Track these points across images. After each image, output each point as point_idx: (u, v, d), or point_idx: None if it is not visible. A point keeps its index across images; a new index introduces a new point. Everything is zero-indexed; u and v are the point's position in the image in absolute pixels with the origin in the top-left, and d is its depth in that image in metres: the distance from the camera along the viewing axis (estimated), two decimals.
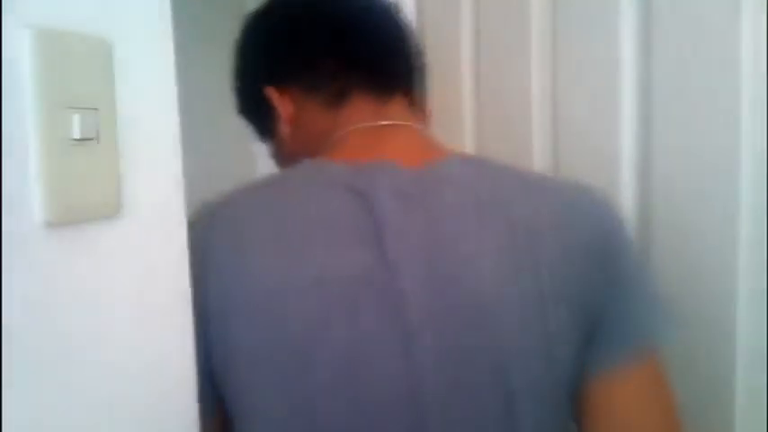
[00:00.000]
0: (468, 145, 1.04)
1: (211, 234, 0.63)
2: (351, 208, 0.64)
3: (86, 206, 0.46)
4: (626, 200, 0.79)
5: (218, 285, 0.61)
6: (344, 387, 0.60)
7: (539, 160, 0.91)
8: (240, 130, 1.00)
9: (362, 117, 0.76)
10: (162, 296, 0.53)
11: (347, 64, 0.78)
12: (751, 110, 0.63)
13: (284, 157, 0.84)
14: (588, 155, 0.82)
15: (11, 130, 0.42)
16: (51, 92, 0.44)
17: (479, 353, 0.61)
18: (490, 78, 0.98)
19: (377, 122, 0.75)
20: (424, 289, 0.61)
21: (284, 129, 0.80)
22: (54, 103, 0.44)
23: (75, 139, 0.45)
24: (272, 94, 0.80)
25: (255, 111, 0.85)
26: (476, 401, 0.61)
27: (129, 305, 0.50)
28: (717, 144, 0.67)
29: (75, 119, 0.45)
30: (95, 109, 0.46)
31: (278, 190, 0.68)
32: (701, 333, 0.71)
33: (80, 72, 0.45)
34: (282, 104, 0.80)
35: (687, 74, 0.68)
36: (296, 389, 0.60)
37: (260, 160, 1.36)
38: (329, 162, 0.71)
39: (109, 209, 0.48)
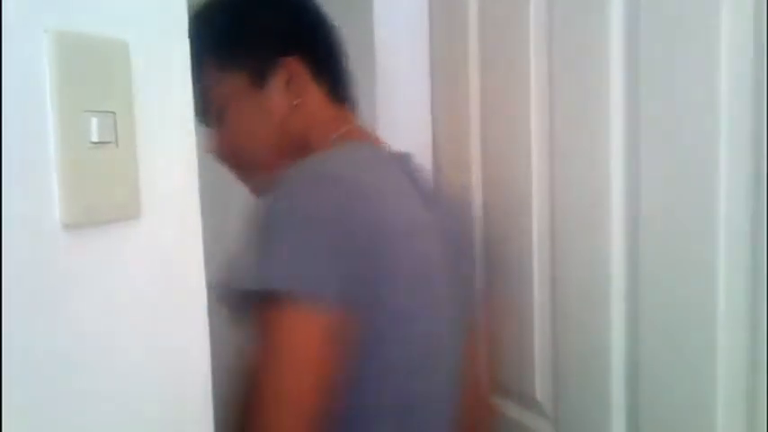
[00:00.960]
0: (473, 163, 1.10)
1: (362, 183, 0.75)
2: (407, 180, 0.82)
3: (105, 208, 0.47)
4: (615, 212, 0.82)
5: (375, 217, 0.73)
6: (437, 305, 0.81)
7: (537, 179, 0.97)
8: None
9: (353, 119, 0.90)
10: (178, 295, 0.53)
11: (345, 75, 0.91)
12: (728, 137, 0.67)
13: (266, 126, 0.86)
14: (580, 170, 0.87)
15: (31, 134, 0.43)
16: (70, 96, 0.44)
17: (471, 285, 0.94)
18: (494, 102, 1.03)
19: (366, 126, 0.91)
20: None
21: (291, 101, 0.85)
22: (73, 106, 0.45)
23: (94, 143, 0.45)
24: (295, 64, 0.85)
25: (250, 76, 0.85)
26: (466, 310, 0.90)
27: (146, 304, 0.51)
28: (697, 160, 0.70)
29: (94, 122, 0.45)
30: (113, 112, 0.47)
31: (370, 158, 0.82)
32: (683, 334, 0.74)
33: (98, 76, 0.46)
34: (300, 78, 0.85)
35: (670, 96, 0.73)
36: (422, 302, 0.77)
37: None
38: (378, 146, 0.87)
39: (128, 210, 0.48)
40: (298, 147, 0.85)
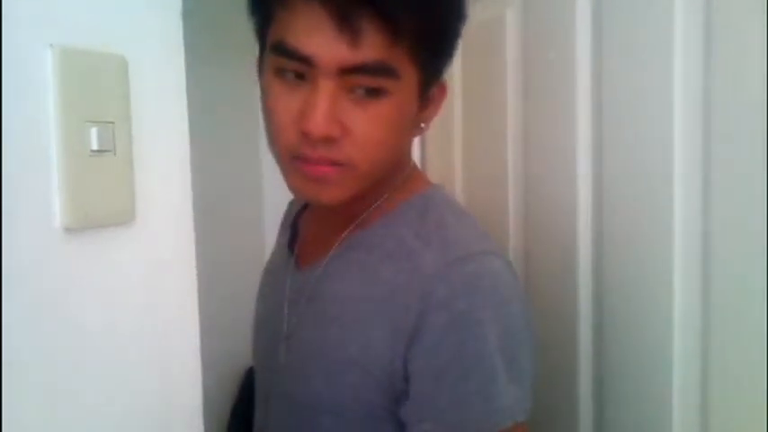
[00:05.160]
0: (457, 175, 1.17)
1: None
2: None
3: (103, 213, 0.49)
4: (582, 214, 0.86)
5: None
6: None
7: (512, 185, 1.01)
8: (246, 137, 1.01)
9: None
10: (171, 295, 0.56)
11: None
12: (683, 144, 0.71)
13: (403, 131, 0.69)
14: (550, 170, 0.92)
15: (34, 142, 0.46)
16: (72, 107, 0.47)
17: None
18: (478, 115, 1.08)
19: None
20: None
21: (421, 122, 0.71)
22: (74, 117, 0.47)
23: (93, 151, 0.48)
24: (445, 85, 0.72)
25: (422, 81, 0.67)
26: None
27: (140, 303, 0.53)
28: (654, 162, 0.75)
29: (94, 132, 0.48)
30: (112, 122, 0.49)
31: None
32: (640, 335, 0.78)
33: (98, 88, 0.49)
34: (441, 103, 0.73)
35: (630, 105, 0.78)
36: None
37: (265, 166, 1.39)
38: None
39: (124, 216, 0.51)
40: (388, 172, 0.70)
